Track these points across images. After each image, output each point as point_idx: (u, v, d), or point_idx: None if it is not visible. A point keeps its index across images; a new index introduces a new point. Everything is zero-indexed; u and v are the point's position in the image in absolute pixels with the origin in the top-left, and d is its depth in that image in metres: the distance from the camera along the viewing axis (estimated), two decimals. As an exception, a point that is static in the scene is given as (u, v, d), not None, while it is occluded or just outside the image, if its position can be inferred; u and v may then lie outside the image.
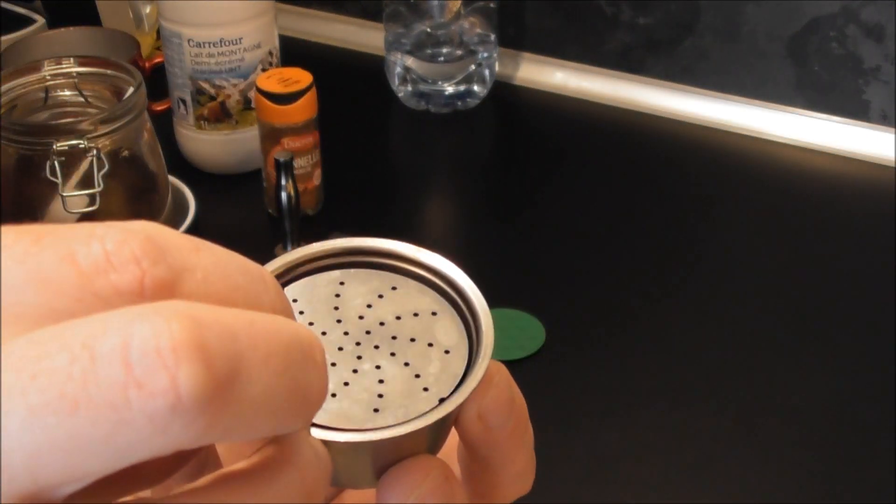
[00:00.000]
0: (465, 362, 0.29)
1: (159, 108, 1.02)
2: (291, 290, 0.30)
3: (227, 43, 0.98)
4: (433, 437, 0.29)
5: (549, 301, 0.89)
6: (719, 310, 0.89)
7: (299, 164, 0.93)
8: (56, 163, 0.77)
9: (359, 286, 0.30)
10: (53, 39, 1.03)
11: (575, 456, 0.77)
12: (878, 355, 0.84)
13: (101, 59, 0.86)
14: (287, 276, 0.30)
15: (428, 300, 0.30)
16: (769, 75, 1.09)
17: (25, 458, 0.19)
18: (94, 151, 0.78)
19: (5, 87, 0.82)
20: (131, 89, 0.82)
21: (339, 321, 0.30)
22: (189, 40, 0.98)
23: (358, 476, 0.29)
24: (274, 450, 0.23)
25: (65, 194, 0.78)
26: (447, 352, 0.29)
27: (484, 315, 0.29)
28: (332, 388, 0.28)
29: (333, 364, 0.29)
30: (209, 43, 0.97)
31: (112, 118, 0.79)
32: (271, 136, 0.94)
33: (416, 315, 0.30)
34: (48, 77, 0.83)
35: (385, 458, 0.28)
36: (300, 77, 0.93)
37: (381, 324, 0.30)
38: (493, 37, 1.12)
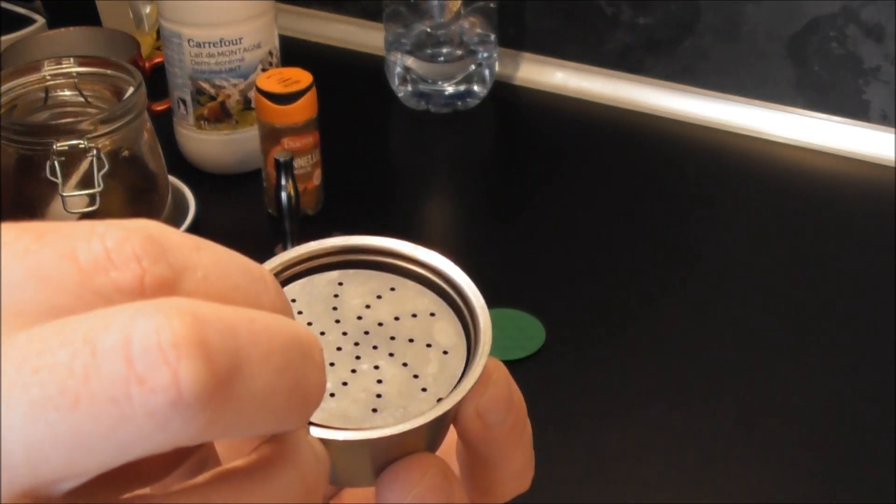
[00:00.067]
0: (464, 363, 0.29)
1: (159, 108, 1.02)
2: (290, 291, 0.30)
3: (227, 43, 0.98)
4: (431, 435, 0.29)
5: (549, 301, 0.89)
6: (719, 310, 0.89)
7: (299, 164, 0.94)
8: (56, 163, 0.78)
9: (357, 287, 0.30)
10: (53, 39, 1.03)
11: (575, 456, 0.77)
12: (878, 355, 0.84)
13: (101, 59, 0.86)
14: (286, 275, 0.30)
15: (426, 301, 0.30)
16: (769, 75, 1.09)
17: (26, 452, 0.19)
18: (94, 151, 0.78)
19: (5, 87, 0.82)
20: (131, 89, 0.82)
21: (337, 321, 0.30)
22: (189, 40, 0.98)
23: (357, 475, 0.29)
24: (272, 448, 0.23)
25: (65, 194, 0.78)
26: (445, 352, 0.29)
27: (482, 313, 0.29)
28: (330, 387, 0.28)
29: (332, 364, 0.29)
30: (209, 43, 0.98)
31: (112, 118, 0.79)
32: (271, 136, 0.94)
33: (414, 316, 0.30)
34: (48, 77, 0.83)
35: (383, 457, 0.28)
36: (300, 77, 0.93)
37: (380, 324, 0.30)
38: (493, 37, 1.12)
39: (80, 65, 0.84)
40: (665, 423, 0.79)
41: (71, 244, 0.21)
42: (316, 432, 0.27)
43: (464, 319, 0.30)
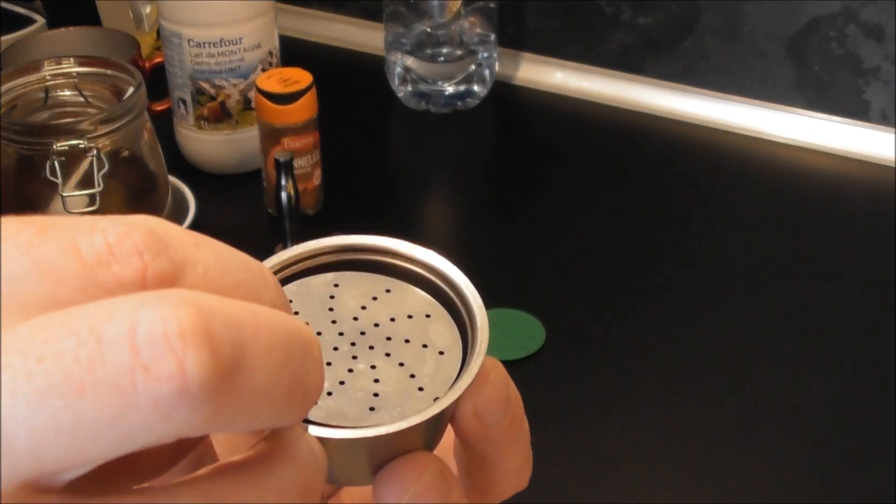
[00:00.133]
0: (460, 363, 0.29)
1: (159, 108, 1.02)
2: (286, 292, 0.30)
3: (227, 43, 0.98)
4: (429, 433, 0.29)
5: (549, 301, 0.89)
6: (719, 310, 0.89)
7: (299, 164, 0.94)
8: (56, 163, 0.78)
9: (352, 289, 0.30)
10: (53, 39, 1.03)
11: (574, 456, 0.77)
12: (878, 355, 0.84)
13: (101, 59, 0.86)
14: (282, 275, 0.30)
15: (422, 302, 0.30)
16: (769, 75, 1.09)
17: (29, 440, 0.19)
18: (94, 151, 0.78)
19: (5, 87, 0.82)
20: (131, 89, 0.82)
21: (333, 322, 0.30)
22: (189, 40, 0.98)
23: (354, 473, 0.29)
24: (271, 445, 0.23)
25: (65, 194, 0.78)
26: (441, 353, 0.29)
27: (479, 312, 0.29)
28: (327, 386, 0.28)
29: (329, 364, 0.29)
30: (209, 43, 0.98)
31: (112, 118, 0.79)
32: (271, 136, 0.94)
33: (409, 317, 0.30)
34: (48, 77, 0.83)
35: (381, 455, 0.28)
36: (300, 77, 0.93)
37: (376, 325, 0.30)
38: (493, 37, 1.12)
39: (80, 65, 0.84)
40: (665, 423, 0.79)
41: (73, 238, 0.21)
42: (314, 430, 0.27)
43: (460, 319, 0.30)
